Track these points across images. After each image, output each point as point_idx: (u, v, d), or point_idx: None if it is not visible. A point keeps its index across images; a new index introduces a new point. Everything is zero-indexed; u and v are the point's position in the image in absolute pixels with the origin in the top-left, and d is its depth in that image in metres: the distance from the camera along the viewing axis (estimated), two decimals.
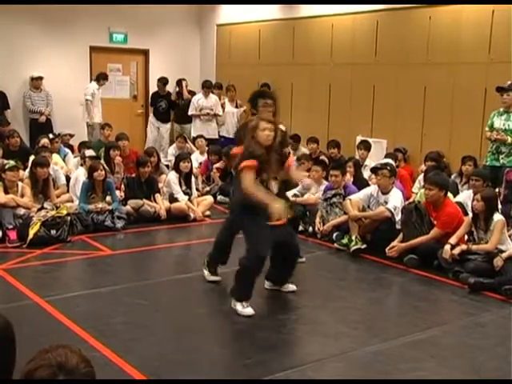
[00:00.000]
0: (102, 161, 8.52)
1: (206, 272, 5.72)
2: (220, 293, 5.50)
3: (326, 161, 8.79)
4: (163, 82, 12.05)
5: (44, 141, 9.05)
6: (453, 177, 8.30)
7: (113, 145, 8.94)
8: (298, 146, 10.37)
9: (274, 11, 11.65)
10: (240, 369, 3.99)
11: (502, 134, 7.28)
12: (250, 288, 4.94)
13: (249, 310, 4.89)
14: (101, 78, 11.41)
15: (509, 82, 7.34)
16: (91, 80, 12.03)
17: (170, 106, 12.04)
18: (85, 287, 5.61)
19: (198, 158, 10.24)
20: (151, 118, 12.15)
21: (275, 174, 5.09)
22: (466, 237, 6.17)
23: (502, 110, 7.43)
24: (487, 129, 7.53)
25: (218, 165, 9.59)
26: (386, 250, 6.39)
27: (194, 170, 9.02)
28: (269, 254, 5.02)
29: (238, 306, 4.92)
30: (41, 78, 11.42)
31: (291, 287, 5.45)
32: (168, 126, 12.06)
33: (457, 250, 5.92)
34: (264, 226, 4.79)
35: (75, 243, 6.86)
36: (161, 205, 7.99)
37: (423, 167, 8.51)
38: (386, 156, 8.74)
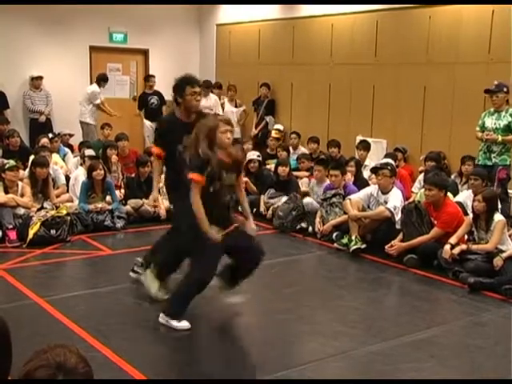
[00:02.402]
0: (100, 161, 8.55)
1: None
2: (218, 293, 5.49)
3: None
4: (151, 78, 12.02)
5: (44, 140, 9.05)
6: (453, 177, 8.30)
7: (110, 144, 8.94)
8: (299, 145, 10.39)
9: (273, 11, 11.65)
10: (239, 369, 3.99)
11: (492, 133, 7.29)
12: (187, 306, 4.61)
13: (184, 323, 4.54)
14: (101, 80, 11.38)
15: (496, 83, 7.35)
16: (91, 80, 12.03)
17: (162, 101, 11.85)
18: (84, 287, 5.61)
19: None
20: (145, 120, 11.92)
21: (231, 181, 4.59)
22: (466, 237, 6.17)
23: (492, 110, 7.45)
24: (478, 129, 7.55)
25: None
26: (386, 247, 6.38)
27: None
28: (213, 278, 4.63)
29: (173, 322, 4.53)
30: (41, 78, 11.41)
31: (236, 299, 5.00)
32: None
33: (457, 250, 5.93)
34: (214, 245, 4.36)
35: (75, 243, 6.86)
36: (161, 205, 7.99)
37: (422, 168, 8.52)
38: (386, 156, 8.74)
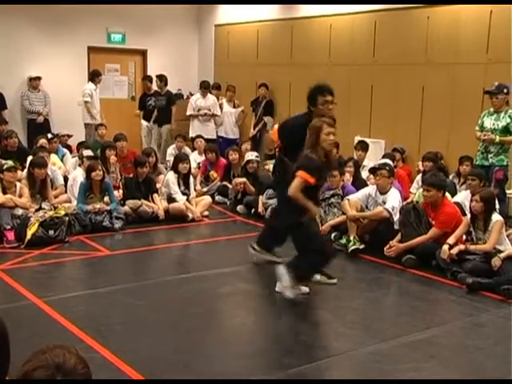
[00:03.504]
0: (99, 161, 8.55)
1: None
2: (218, 293, 5.49)
3: None
4: (149, 79, 11.97)
5: (42, 141, 9.04)
6: (451, 177, 8.31)
7: (109, 144, 8.93)
8: None
9: (272, 11, 11.65)
10: (238, 369, 3.99)
11: (490, 133, 7.30)
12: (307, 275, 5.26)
13: (303, 288, 5.26)
14: (94, 75, 11.38)
15: (496, 84, 7.36)
16: (89, 81, 12.03)
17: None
18: (83, 288, 5.60)
19: (196, 159, 10.24)
20: (142, 121, 11.94)
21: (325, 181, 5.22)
22: (465, 237, 6.17)
23: (491, 110, 7.46)
24: (477, 128, 7.56)
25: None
26: (385, 249, 6.39)
27: (193, 171, 9.01)
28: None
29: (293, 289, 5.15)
30: (39, 78, 11.41)
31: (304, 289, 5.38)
32: (167, 126, 11.94)
33: (455, 250, 5.93)
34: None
35: (73, 243, 6.85)
36: (159, 205, 7.99)
37: (420, 166, 8.52)
38: (384, 156, 8.75)
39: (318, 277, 5.34)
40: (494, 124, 7.37)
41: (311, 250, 5.09)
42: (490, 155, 7.41)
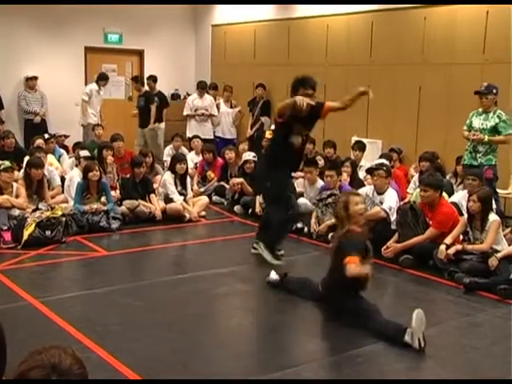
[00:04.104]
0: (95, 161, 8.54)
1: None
2: (215, 293, 5.49)
3: (321, 161, 8.78)
4: (140, 80, 11.83)
5: (39, 141, 9.03)
6: (448, 177, 8.32)
7: (106, 145, 8.93)
8: None
9: (269, 11, 11.66)
10: (236, 369, 3.99)
11: (478, 133, 7.32)
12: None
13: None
14: (99, 79, 11.33)
15: (485, 84, 7.37)
16: (86, 80, 12.03)
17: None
18: (80, 288, 5.59)
19: (193, 159, 10.24)
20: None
21: None
22: (462, 237, 6.18)
23: (480, 110, 7.47)
24: (465, 128, 7.57)
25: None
26: (382, 249, 6.39)
27: (190, 171, 9.00)
28: None
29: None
30: (35, 78, 11.39)
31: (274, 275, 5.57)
32: (162, 125, 11.89)
33: (452, 250, 5.93)
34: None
35: (70, 244, 6.84)
36: (156, 205, 7.98)
37: (412, 171, 8.53)
38: (381, 156, 8.75)
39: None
40: (482, 124, 7.39)
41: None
42: (478, 155, 7.42)
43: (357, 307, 4.69)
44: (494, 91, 7.33)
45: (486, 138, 7.28)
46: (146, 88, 11.68)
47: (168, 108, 11.90)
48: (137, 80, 11.63)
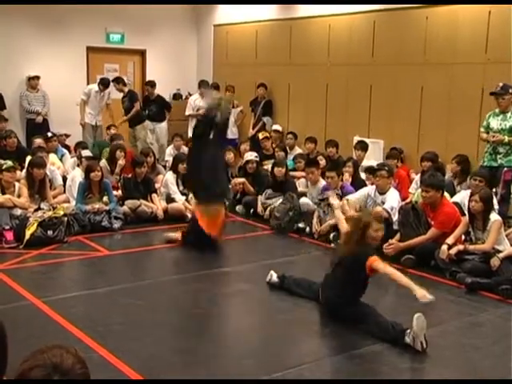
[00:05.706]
0: (104, 160, 8.53)
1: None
2: (217, 293, 5.49)
3: (323, 161, 8.76)
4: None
5: (38, 141, 9.02)
6: (447, 177, 8.28)
7: (119, 146, 8.86)
8: (295, 145, 10.38)
9: (271, 11, 11.65)
10: (236, 369, 3.99)
11: (498, 134, 7.30)
12: None
13: None
14: (101, 84, 11.26)
15: (501, 84, 7.36)
16: (88, 80, 12.01)
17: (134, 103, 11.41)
18: (81, 288, 5.60)
19: None
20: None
21: None
22: (463, 237, 6.17)
23: (497, 110, 7.45)
24: (482, 130, 7.55)
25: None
26: (384, 246, 6.36)
27: None
28: None
29: None
30: (37, 78, 11.38)
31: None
32: (163, 124, 11.86)
33: (454, 250, 5.93)
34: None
35: (72, 244, 6.85)
36: (158, 205, 7.98)
37: (413, 175, 8.52)
38: (388, 157, 8.74)
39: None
40: (501, 124, 7.36)
41: None
42: (498, 156, 7.38)
43: (356, 312, 4.69)
44: (511, 91, 7.31)
45: (507, 138, 7.25)
46: (128, 88, 11.55)
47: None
48: (118, 81, 11.39)
